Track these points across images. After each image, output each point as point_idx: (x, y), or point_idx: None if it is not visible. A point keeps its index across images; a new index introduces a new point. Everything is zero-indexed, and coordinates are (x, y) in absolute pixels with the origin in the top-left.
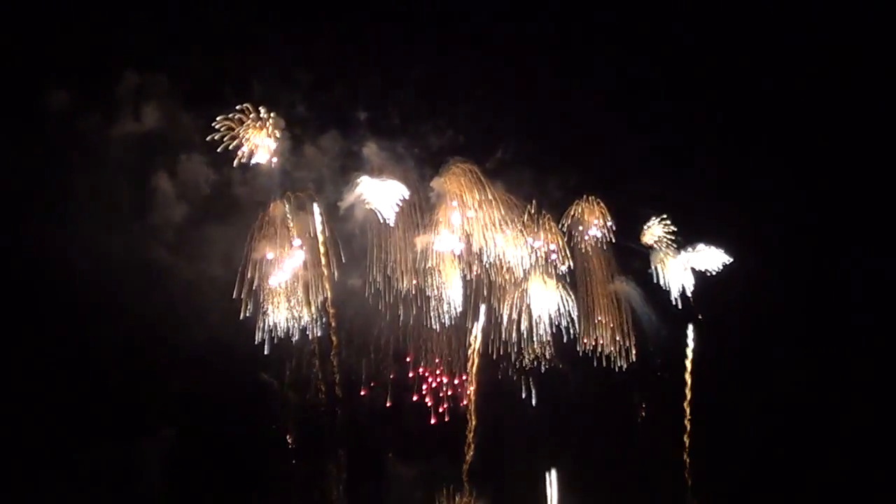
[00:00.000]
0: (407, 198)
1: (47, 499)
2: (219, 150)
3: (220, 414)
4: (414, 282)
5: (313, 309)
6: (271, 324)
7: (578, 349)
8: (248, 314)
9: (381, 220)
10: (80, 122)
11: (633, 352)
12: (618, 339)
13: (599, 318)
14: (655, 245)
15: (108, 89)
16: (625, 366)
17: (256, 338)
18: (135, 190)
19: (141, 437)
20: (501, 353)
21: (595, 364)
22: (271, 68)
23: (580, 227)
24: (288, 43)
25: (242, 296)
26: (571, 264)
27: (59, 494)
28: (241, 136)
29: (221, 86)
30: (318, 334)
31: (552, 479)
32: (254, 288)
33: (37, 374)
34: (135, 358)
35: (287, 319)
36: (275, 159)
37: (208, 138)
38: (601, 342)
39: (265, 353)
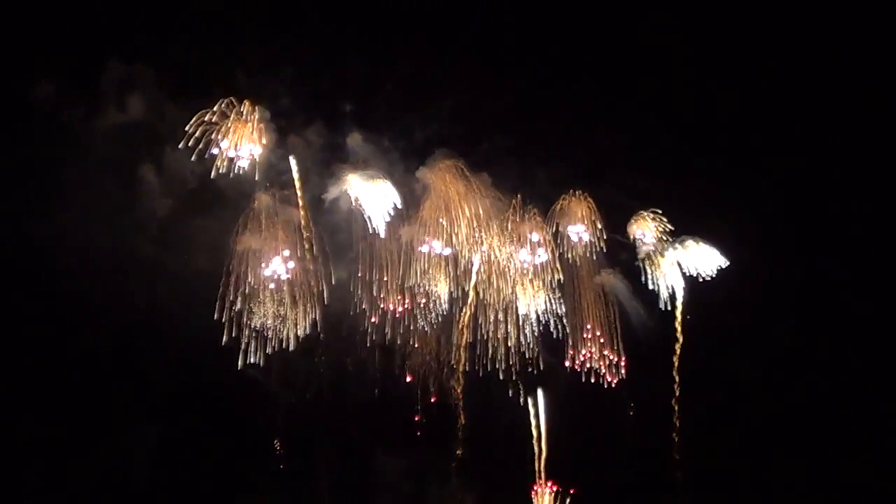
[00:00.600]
0: (399, 205)
1: (34, 491)
2: (193, 158)
3: (206, 408)
4: (399, 297)
5: (299, 305)
6: (258, 325)
7: (567, 364)
8: (231, 336)
9: (371, 229)
10: (64, 114)
11: (623, 368)
12: (606, 353)
13: (588, 328)
14: (642, 239)
15: (92, 82)
16: (614, 382)
17: (239, 363)
18: (119, 183)
19: (127, 431)
20: (489, 355)
21: (583, 379)
22: (256, 60)
23: (568, 234)
24: (273, 35)
25: (223, 320)
26: (561, 277)
27: (46, 488)
28: (222, 135)
29: (205, 78)
30: (307, 331)
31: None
32: (236, 309)
33: (22, 368)
34: (121, 352)
35: (273, 316)
36: (259, 152)
37: (182, 145)
38: (590, 355)
39: (257, 364)
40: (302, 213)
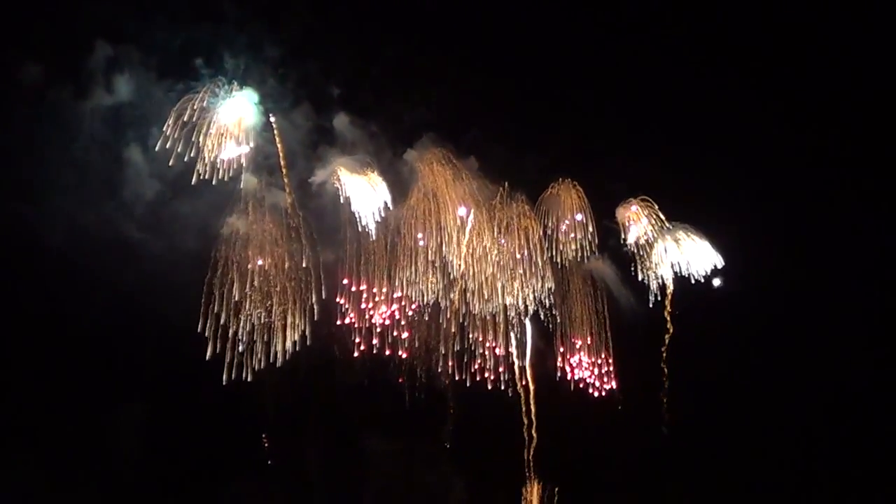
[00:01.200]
0: (389, 205)
1: (20, 470)
2: (171, 163)
3: (193, 389)
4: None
5: (289, 291)
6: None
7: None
8: (215, 350)
9: (360, 227)
10: (51, 94)
11: (613, 378)
12: (594, 360)
13: (579, 334)
14: (631, 226)
15: (77, 64)
16: (604, 391)
17: (224, 378)
18: (103, 165)
19: (113, 411)
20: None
21: (572, 388)
22: (244, 43)
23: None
24: (260, 18)
25: (207, 333)
26: (552, 286)
27: (31, 466)
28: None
29: (192, 60)
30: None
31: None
32: (221, 323)
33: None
34: (105, 335)
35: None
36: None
37: (159, 146)
38: (580, 361)
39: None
40: (289, 199)
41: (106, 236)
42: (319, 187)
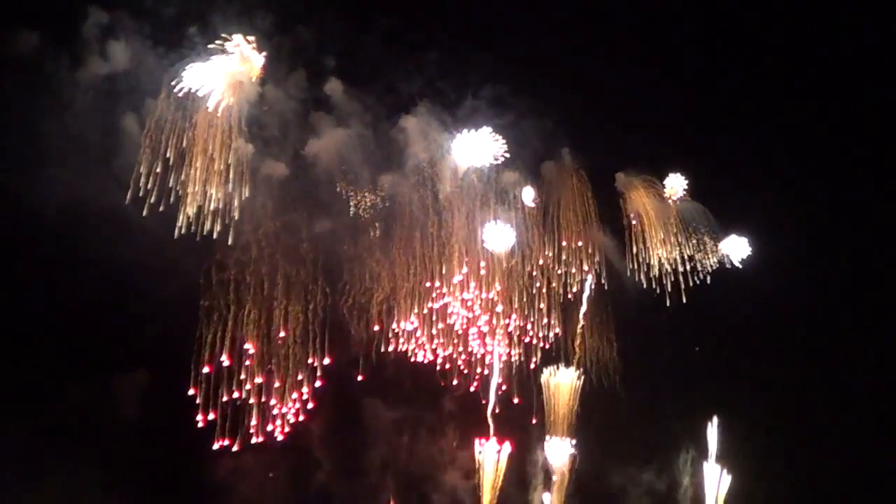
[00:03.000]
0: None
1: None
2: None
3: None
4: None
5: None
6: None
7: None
8: (206, 416)
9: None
10: (43, 62)
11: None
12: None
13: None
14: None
15: (72, 29)
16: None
17: (215, 444)
18: (98, 134)
19: (112, 380)
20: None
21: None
22: (238, 12)
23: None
24: None
25: (199, 399)
26: (560, 331)
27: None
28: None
29: (186, 28)
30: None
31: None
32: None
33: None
34: (106, 302)
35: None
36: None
37: (130, 196)
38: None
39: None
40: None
41: (99, 207)
42: (314, 157)
